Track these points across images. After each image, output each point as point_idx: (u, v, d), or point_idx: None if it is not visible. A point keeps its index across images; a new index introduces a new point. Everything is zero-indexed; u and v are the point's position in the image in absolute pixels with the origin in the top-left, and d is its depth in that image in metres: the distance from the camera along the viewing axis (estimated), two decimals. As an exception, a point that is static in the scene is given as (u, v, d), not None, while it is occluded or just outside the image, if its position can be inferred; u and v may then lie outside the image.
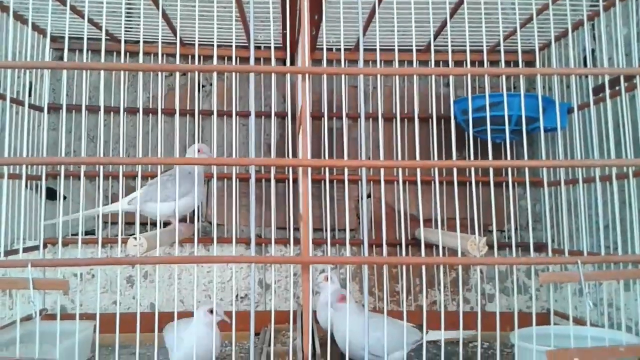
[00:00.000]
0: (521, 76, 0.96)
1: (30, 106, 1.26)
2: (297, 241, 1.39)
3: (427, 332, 1.06)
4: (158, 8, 1.12)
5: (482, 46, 1.21)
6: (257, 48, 1.41)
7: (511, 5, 1.20)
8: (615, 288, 1.14)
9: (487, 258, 0.89)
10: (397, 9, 0.97)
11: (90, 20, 1.22)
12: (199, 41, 1.25)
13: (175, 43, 1.36)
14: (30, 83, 1.39)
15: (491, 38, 1.33)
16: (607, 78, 1.01)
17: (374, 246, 1.41)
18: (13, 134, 1.20)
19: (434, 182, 1.27)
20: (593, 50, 1.30)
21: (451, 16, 1.13)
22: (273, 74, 0.91)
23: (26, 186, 1.32)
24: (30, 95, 1.35)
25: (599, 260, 0.91)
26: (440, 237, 1.23)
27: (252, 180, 0.87)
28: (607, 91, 1.02)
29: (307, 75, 0.89)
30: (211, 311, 0.98)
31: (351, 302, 1.04)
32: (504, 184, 1.40)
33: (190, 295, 1.38)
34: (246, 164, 0.87)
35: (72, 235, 1.36)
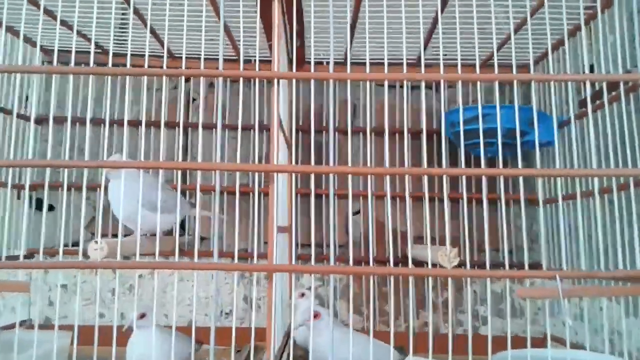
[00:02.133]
0: (515, 82, 0.92)
1: (19, 116, 1.27)
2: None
3: (405, 355, 1.01)
4: (146, 25, 1.13)
5: (474, 59, 1.19)
6: (247, 62, 1.41)
7: (504, 13, 1.18)
8: (615, 311, 1.07)
9: (457, 270, 0.85)
10: (387, 18, 0.97)
11: (79, 33, 1.24)
12: (187, 54, 1.26)
13: (165, 56, 1.38)
14: (27, 96, 1.42)
15: (484, 49, 1.30)
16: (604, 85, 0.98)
17: (362, 263, 1.37)
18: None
19: (424, 197, 1.24)
20: (592, 67, 1.27)
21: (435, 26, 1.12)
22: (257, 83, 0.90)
23: (18, 197, 1.33)
24: (26, 107, 1.38)
25: (580, 276, 0.86)
26: (417, 251, 1.19)
27: (217, 187, 0.86)
28: (606, 97, 0.98)
29: (277, 81, 0.89)
30: (142, 316, 0.97)
31: (325, 318, 1.00)
32: (498, 202, 1.35)
33: (174, 312, 1.36)
34: (210, 168, 0.85)
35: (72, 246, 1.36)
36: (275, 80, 0.89)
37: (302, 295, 1.07)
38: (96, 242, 0.85)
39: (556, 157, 1.24)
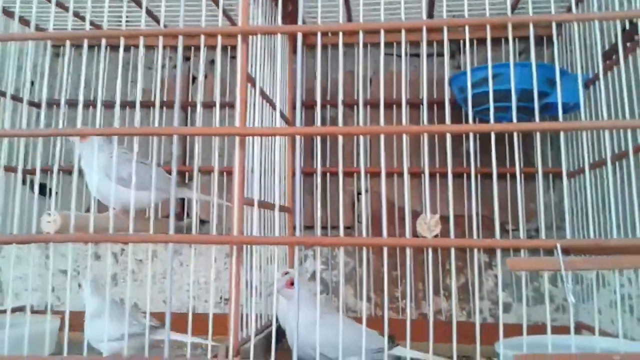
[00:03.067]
0: (530, 24, 0.79)
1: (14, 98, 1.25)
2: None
3: (395, 344, 0.91)
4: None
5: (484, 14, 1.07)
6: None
7: None
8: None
9: (440, 239, 0.74)
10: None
11: (76, 14, 1.20)
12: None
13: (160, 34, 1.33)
14: (32, 82, 1.41)
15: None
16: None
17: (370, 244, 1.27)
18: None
19: (424, 171, 1.12)
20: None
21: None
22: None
23: (23, 182, 1.32)
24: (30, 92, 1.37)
25: (587, 246, 0.73)
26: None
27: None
28: None
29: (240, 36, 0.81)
30: None
31: (303, 288, 0.91)
32: (514, 175, 1.22)
33: (174, 297, 1.30)
34: (165, 133, 0.78)
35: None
36: (240, 37, 0.81)
37: (286, 273, 0.98)
38: (49, 214, 0.80)
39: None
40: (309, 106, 1.32)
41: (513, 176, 1.21)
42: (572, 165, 1.18)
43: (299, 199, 0.80)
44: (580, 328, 1.16)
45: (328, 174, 1.29)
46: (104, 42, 0.84)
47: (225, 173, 1.30)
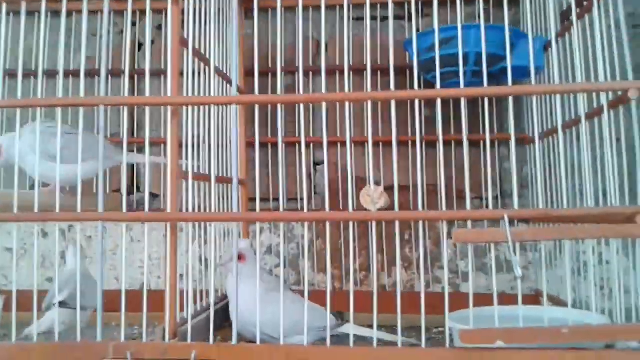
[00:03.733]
0: None
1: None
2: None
3: (343, 322, 0.88)
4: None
5: None
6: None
7: None
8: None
9: (385, 212, 0.70)
10: None
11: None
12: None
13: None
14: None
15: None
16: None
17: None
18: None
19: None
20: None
21: None
22: None
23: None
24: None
25: (534, 215, 0.70)
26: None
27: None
28: None
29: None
30: None
31: (250, 264, 0.87)
32: (481, 143, 1.18)
33: (126, 273, 1.26)
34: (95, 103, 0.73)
35: None
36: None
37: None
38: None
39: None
40: (264, 74, 1.26)
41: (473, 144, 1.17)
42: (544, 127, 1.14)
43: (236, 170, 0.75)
44: (539, 296, 1.14)
45: (283, 145, 1.24)
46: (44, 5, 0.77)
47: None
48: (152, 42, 1.33)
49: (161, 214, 0.77)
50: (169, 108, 0.76)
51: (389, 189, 1.22)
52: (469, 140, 0.76)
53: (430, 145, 1.16)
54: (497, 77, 1.08)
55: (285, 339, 0.75)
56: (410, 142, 1.18)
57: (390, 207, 0.76)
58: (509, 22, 1.20)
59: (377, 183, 1.00)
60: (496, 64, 1.02)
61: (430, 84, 1.15)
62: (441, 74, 0.83)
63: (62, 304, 0.89)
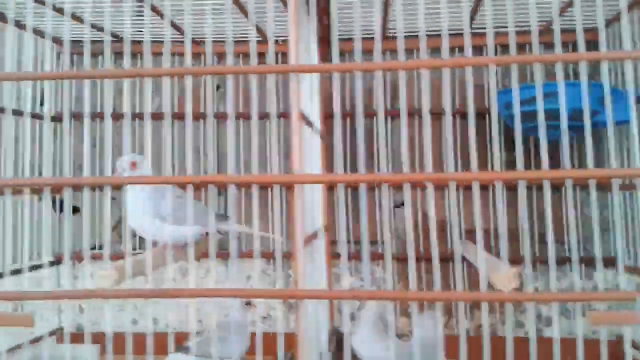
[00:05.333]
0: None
1: (34, 116, 1.19)
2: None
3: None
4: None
5: (528, 25, 1.02)
6: (275, 42, 1.27)
7: None
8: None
9: (518, 294, 0.71)
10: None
11: (93, 26, 1.13)
12: (211, 39, 1.15)
13: (182, 42, 1.27)
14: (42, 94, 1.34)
15: (542, 15, 1.12)
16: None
17: (404, 260, 1.25)
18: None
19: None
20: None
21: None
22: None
23: (39, 199, 1.27)
24: (42, 104, 1.30)
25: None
26: (469, 254, 1.06)
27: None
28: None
29: (297, 75, 0.76)
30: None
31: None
32: (563, 188, 1.19)
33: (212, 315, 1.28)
34: (222, 180, 0.74)
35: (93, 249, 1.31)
36: (292, 75, 0.76)
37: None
38: (103, 268, 0.77)
39: (634, 134, 1.05)
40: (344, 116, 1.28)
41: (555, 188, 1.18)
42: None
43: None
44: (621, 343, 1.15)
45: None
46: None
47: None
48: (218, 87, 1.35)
49: (286, 290, 0.78)
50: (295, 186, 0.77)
51: (468, 233, 1.25)
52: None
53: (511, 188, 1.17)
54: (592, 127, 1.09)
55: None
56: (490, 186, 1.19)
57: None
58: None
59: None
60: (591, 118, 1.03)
61: (509, 128, 1.16)
62: (535, 127, 0.85)
63: (185, 350, 0.94)
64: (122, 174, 0.97)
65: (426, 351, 0.87)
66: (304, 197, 0.78)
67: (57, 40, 1.29)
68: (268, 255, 1.28)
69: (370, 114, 1.28)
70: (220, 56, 1.30)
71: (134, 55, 1.29)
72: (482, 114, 1.23)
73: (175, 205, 0.93)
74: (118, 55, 1.31)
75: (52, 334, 1.22)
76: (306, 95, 0.99)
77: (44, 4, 1.02)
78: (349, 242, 1.27)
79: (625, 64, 0.73)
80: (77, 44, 1.25)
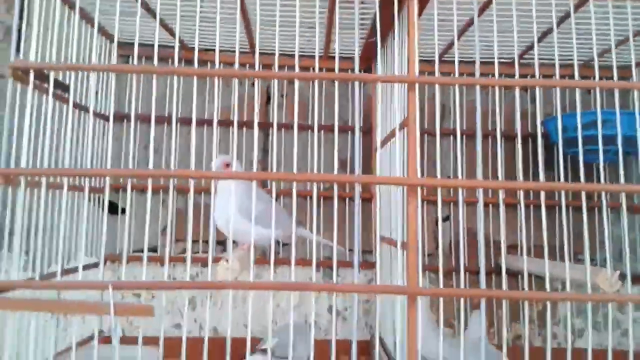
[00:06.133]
0: (616, 90, 0.86)
1: (96, 114, 1.19)
2: (368, 265, 1.30)
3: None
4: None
5: (572, 60, 1.13)
6: (331, 57, 1.33)
7: (605, 20, 1.11)
8: None
9: (621, 295, 0.78)
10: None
11: (161, 22, 1.14)
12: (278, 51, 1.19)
13: (251, 52, 1.30)
14: (96, 92, 1.33)
15: (583, 53, 1.24)
16: None
17: (452, 273, 1.31)
18: (75, 143, 1.12)
19: (519, 205, 1.18)
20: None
21: (558, 25, 1.04)
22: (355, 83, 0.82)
23: (89, 200, 1.25)
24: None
25: None
26: (517, 263, 1.14)
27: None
28: None
29: (416, 86, 0.82)
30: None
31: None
32: (596, 209, 1.29)
33: (255, 321, 1.29)
34: (348, 180, 0.78)
35: (133, 252, 1.29)
36: (412, 86, 0.81)
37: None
38: (227, 260, 0.78)
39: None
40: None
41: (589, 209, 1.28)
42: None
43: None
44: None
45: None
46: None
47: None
48: (282, 95, 1.38)
49: (403, 287, 0.81)
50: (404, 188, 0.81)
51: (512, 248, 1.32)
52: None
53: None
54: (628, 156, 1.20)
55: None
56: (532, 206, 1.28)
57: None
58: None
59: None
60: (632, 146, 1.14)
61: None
62: (588, 151, 0.94)
63: (263, 352, 0.95)
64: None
65: (476, 345, 0.93)
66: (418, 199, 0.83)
67: (121, 45, 1.29)
68: (324, 264, 1.31)
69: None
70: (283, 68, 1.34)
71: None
72: (524, 138, 1.32)
73: (264, 207, 0.95)
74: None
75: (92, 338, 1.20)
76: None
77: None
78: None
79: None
80: (141, 47, 1.26)
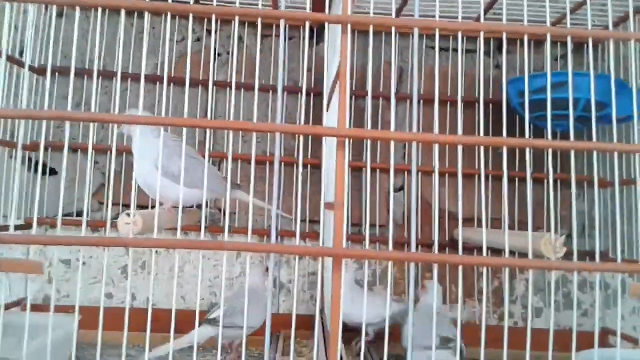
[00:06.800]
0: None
1: (13, 61, 1.09)
2: (316, 235, 1.22)
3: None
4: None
5: (544, 20, 1.05)
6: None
7: None
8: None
9: (567, 263, 0.70)
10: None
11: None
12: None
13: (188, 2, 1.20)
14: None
15: (555, 11, 1.16)
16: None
17: (405, 245, 1.23)
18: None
19: (480, 175, 1.10)
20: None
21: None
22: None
23: (11, 156, 1.16)
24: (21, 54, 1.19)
25: None
26: (473, 235, 1.07)
27: (277, 154, 0.70)
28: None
29: (348, 27, 0.73)
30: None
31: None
32: (559, 182, 1.22)
33: (193, 292, 1.21)
34: (270, 130, 0.70)
35: (64, 216, 1.20)
36: (344, 28, 0.73)
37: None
38: (128, 215, 0.70)
39: (635, 133, 1.09)
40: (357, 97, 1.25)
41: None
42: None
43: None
44: (606, 334, 1.18)
45: (363, 170, 1.23)
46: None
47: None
48: (221, 54, 1.29)
49: (327, 249, 0.73)
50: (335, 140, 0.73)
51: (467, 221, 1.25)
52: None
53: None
54: (599, 121, 1.12)
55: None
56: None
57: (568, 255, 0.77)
58: (600, 69, 1.26)
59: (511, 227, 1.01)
60: (601, 111, 1.06)
61: (522, 120, 1.18)
62: (545, 115, 0.86)
63: (212, 322, 0.89)
64: (129, 131, 0.91)
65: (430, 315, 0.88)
66: (345, 154, 0.75)
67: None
68: (262, 233, 1.22)
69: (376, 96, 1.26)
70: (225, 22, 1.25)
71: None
72: (487, 104, 1.24)
73: (187, 165, 0.86)
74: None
75: (17, 303, 1.11)
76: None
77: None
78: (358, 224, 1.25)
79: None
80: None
